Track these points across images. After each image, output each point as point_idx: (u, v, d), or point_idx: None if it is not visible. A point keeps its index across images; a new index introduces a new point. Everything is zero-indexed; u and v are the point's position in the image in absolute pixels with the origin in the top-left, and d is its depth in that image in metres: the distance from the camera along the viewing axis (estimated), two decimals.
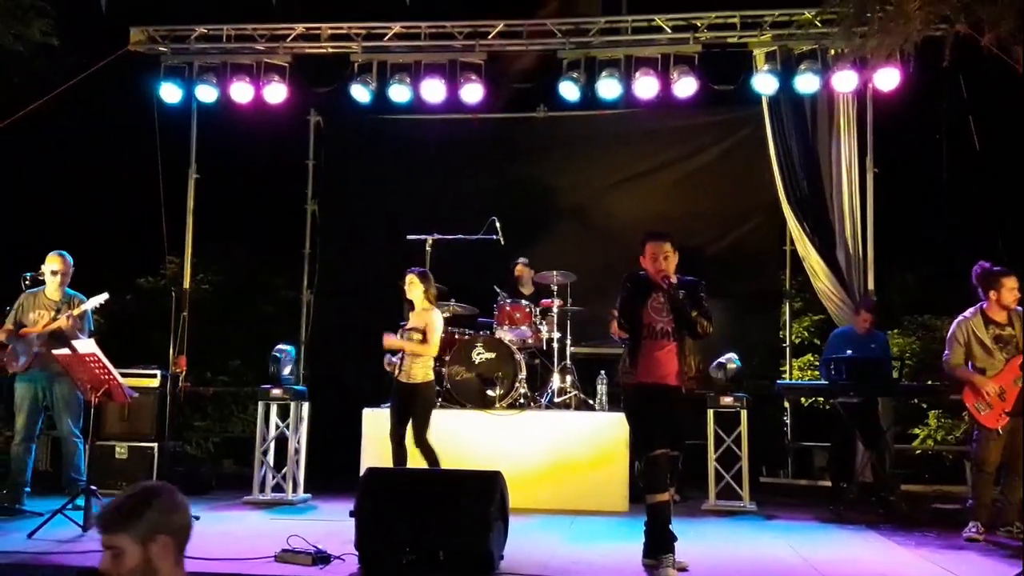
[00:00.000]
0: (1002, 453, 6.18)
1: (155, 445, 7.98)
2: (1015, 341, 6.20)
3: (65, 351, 6.14)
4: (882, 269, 8.91)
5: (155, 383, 8.12)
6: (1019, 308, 6.29)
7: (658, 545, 4.95)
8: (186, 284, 9.59)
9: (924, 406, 9.16)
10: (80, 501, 6.01)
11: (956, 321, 6.41)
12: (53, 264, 6.90)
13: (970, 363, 6.30)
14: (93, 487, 6.02)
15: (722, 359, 7.60)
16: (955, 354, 6.35)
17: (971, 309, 6.36)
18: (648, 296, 5.13)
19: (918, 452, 9.28)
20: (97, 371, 6.04)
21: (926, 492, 8.36)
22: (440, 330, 6.77)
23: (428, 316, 6.68)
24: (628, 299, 5.17)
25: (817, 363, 9.66)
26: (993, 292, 6.25)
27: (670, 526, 4.97)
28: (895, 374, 7.39)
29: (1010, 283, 6.21)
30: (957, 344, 6.34)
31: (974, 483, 6.36)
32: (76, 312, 6.79)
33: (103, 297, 6.84)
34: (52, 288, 6.91)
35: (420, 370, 6.67)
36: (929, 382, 7.74)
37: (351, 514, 5.00)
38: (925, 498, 7.95)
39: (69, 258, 6.98)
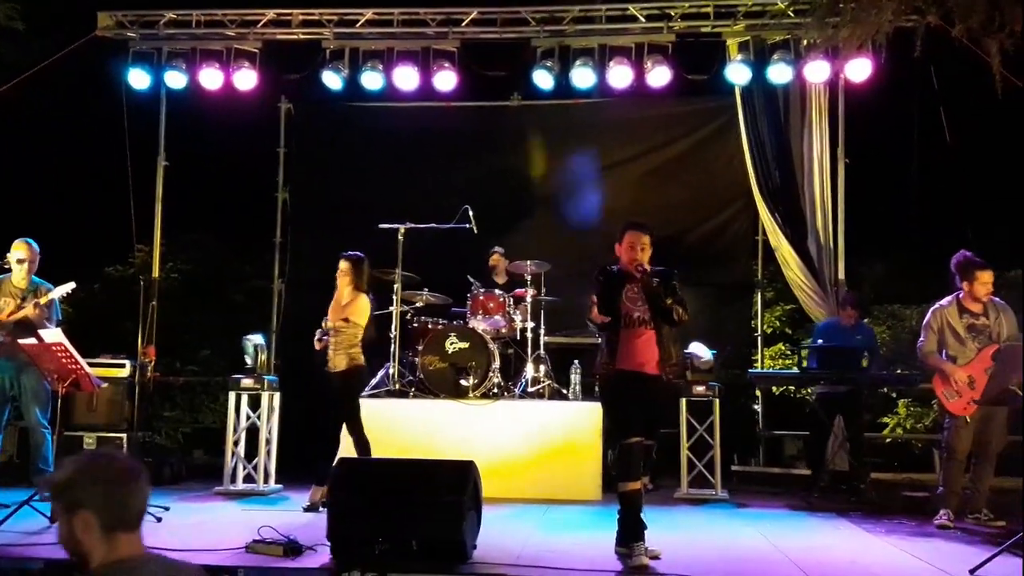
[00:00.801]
0: (972, 441, 6.25)
1: (124, 435, 7.90)
2: (988, 331, 6.26)
3: (32, 341, 6.05)
4: (852, 259, 8.99)
5: (124, 373, 8.05)
6: (996, 299, 6.34)
7: (630, 533, 4.96)
8: (155, 273, 9.49)
9: (894, 395, 9.24)
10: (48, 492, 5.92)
11: (931, 309, 6.47)
12: (19, 252, 6.79)
13: (944, 351, 6.36)
14: None
15: (693, 350, 7.63)
16: (928, 341, 6.40)
17: (948, 297, 6.41)
18: (622, 287, 5.15)
19: (888, 440, 9.37)
20: (64, 361, 5.96)
21: (896, 480, 8.45)
22: (365, 313, 6.72)
23: (355, 302, 6.67)
24: (603, 292, 5.18)
25: (788, 352, 9.73)
26: (967, 283, 6.30)
27: (641, 514, 4.99)
28: (864, 363, 7.44)
29: (984, 277, 6.25)
30: (931, 331, 6.40)
31: (944, 471, 6.42)
32: (43, 300, 6.69)
33: (69, 286, 6.75)
34: (18, 276, 6.81)
35: (343, 358, 6.64)
36: (899, 371, 7.81)
37: (323, 504, 4.96)
38: (895, 486, 8.04)
39: (35, 246, 6.87)
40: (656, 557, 5.00)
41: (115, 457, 2.35)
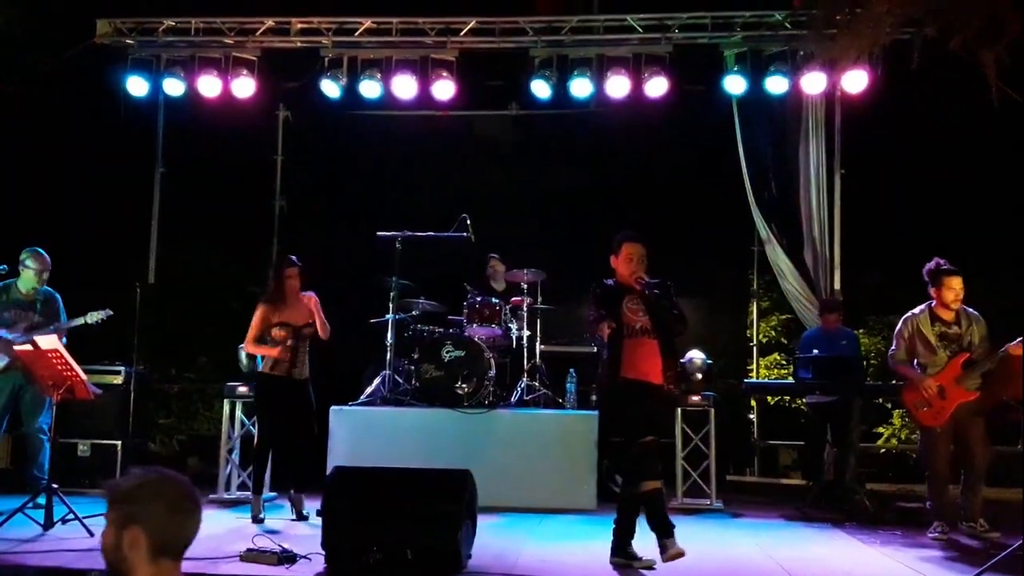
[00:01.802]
0: (954, 453, 6.20)
1: (119, 443, 7.87)
2: (960, 339, 6.22)
3: (27, 347, 6.03)
4: (849, 269, 9.01)
5: (119, 380, 8.01)
6: (969, 309, 6.33)
7: (663, 529, 4.97)
8: (151, 279, 9.48)
9: (889, 405, 9.25)
10: (41, 500, 5.91)
11: (904, 317, 6.44)
12: (30, 260, 6.78)
13: (915, 360, 6.33)
14: (55, 485, 5.92)
15: (690, 357, 7.64)
16: (899, 350, 6.37)
17: (921, 306, 6.39)
18: (621, 300, 5.19)
19: (882, 451, 9.37)
20: (60, 367, 5.94)
21: (891, 491, 8.45)
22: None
23: (313, 297, 6.67)
24: (601, 306, 5.19)
25: (783, 362, 9.75)
26: (935, 290, 6.28)
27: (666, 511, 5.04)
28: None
29: (952, 282, 6.21)
30: (901, 340, 6.37)
31: (928, 486, 6.36)
32: (75, 324, 6.78)
33: (105, 313, 6.75)
34: (27, 285, 6.79)
35: (306, 366, 6.64)
36: (894, 381, 7.82)
37: (318, 513, 4.96)
38: (890, 496, 8.04)
39: (46, 256, 6.86)
40: (650, 567, 5.02)
41: (181, 481, 2.32)
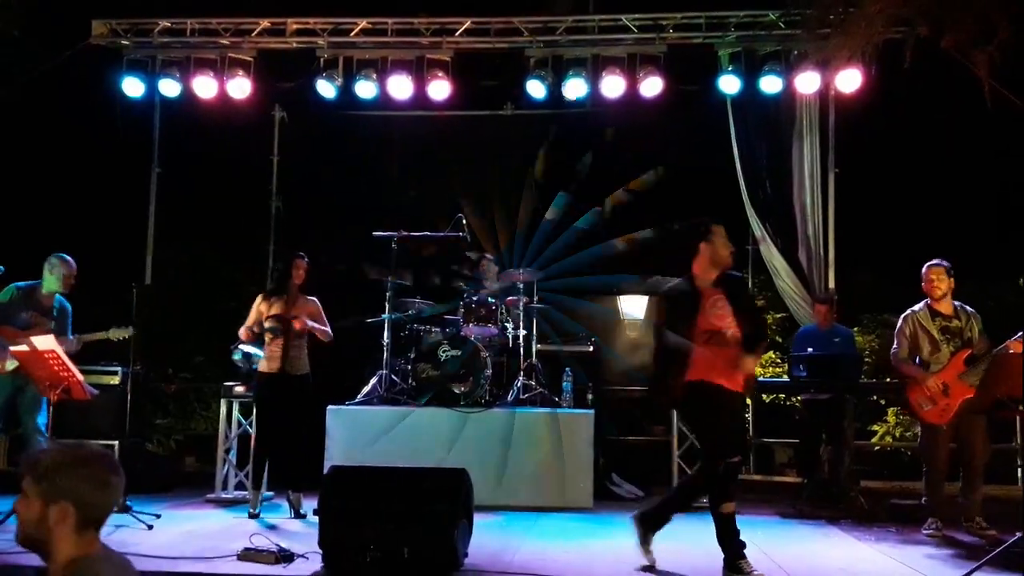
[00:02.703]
0: (955, 451, 6.23)
1: (116, 443, 7.87)
2: (961, 333, 6.25)
3: (23, 347, 6.03)
4: (843, 268, 9.04)
5: (116, 380, 8.01)
6: (966, 306, 6.35)
7: (736, 552, 4.92)
8: (147, 280, 9.48)
9: (883, 403, 9.27)
10: None
11: (903, 315, 6.47)
12: (58, 266, 6.75)
13: (916, 358, 6.35)
14: None
15: None
16: (901, 348, 6.39)
17: (920, 303, 6.43)
18: (699, 304, 4.97)
19: (877, 448, 9.40)
20: (56, 368, 5.95)
21: (885, 488, 8.48)
22: None
23: (315, 302, 6.77)
24: (680, 315, 5.02)
25: (778, 360, 9.77)
26: (924, 285, 6.34)
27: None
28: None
29: (930, 273, 6.29)
30: (903, 338, 6.38)
31: (926, 482, 6.39)
32: (89, 338, 6.74)
33: (128, 331, 6.75)
34: (51, 289, 6.75)
35: (304, 361, 6.70)
36: (888, 379, 7.84)
37: (315, 512, 4.98)
38: (884, 494, 8.07)
39: (73, 265, 6.83)
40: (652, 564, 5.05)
41: (103, 454, 2.35)
